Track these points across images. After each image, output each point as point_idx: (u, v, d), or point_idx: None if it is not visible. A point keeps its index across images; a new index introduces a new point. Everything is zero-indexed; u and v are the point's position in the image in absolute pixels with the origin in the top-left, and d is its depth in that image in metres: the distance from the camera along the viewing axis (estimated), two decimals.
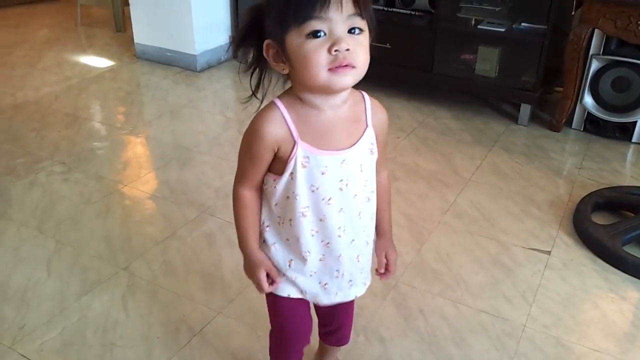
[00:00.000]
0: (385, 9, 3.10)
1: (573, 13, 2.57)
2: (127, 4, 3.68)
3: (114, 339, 1.51)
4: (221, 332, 1.54)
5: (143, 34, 3.58)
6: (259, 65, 0.97)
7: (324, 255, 1.05)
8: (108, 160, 2.42)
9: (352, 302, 1.23)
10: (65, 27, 4.31)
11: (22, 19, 4.48)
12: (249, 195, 1.03)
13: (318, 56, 0.86)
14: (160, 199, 2.15)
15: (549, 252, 1.89)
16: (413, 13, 3.03)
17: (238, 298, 1.65)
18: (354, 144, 0.98)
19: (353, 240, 1.05)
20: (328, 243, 1.04)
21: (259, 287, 1.06)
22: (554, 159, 2.49)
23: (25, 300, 1.64)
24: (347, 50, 0.86)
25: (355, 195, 1.01)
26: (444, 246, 1.91)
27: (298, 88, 0.94)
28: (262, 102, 0.99)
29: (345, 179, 0.99)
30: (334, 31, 0.86)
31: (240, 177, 1.03)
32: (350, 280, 1.11)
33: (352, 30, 0.87)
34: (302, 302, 1.12)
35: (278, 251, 1.06)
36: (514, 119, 2.84)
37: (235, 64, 3.53)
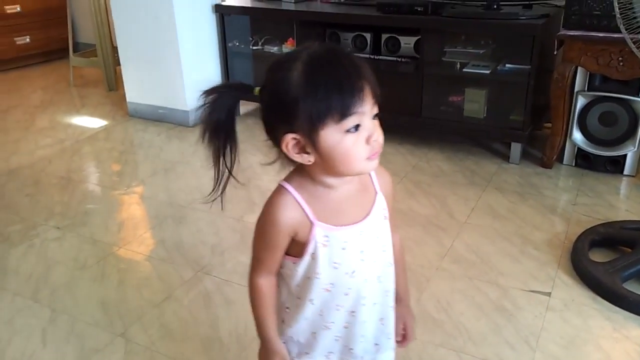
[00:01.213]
0: (372, 56, 3.16)
1: (555, 52, 2.62)
2: (119, 64, 3.75)
3: None
4: None
5: (135, 92, 3.63)
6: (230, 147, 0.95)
7: (348, 323, 1.04)
8: (103, 222, 2.42)
9: None
10: (58, 88, 4.37)
11: (15, 83, 4.55)
12: (265, 283, 1.02)
13: (360, 149, 0.88)
14: (155, 260, 2.14)
15: (549, 294, 1.87)
16: (399, 59, 3.09)
17: None
18: (369, 214, 0.99)
19: (375, 304, 1.05)
20: (353, 312, 1.03)
21: None
22: (547, 197, 2.50)
23: None
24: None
25: (375, 261, 1.01)
26: (443, 293, 1.89)
27: (318, 173, 0.94)
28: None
29: (365, 249, 0.99)
30: (365, 122, 0.88)
31: (257, 265, 1.02)
32: (377, 344, 1.09)
33: (374, 117, 0.91)
34: None
35: (300, 329, 1.05)
36: (506, 157, 2.86)
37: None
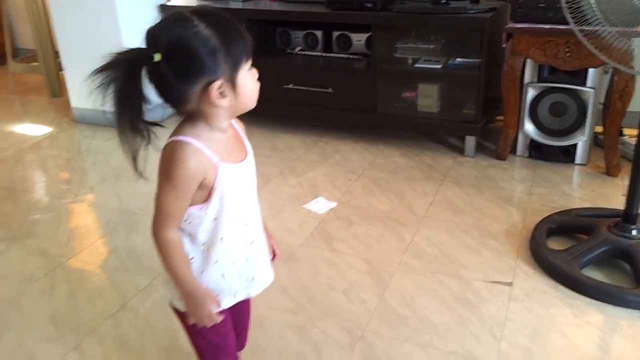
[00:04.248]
0: (324, 54, 3.14)
1: (504, 45, 2.65)
2: (62, 69, 3.60)
3: None
4: None
5: (80, 97, 3.49)
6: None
7: (249, 254, 1.17)
8: (51, 232, 2.30)
9: (249, 301, 1.34)
10: None
11: None
12: (176, 236, 1.07)
13: (256, 86, 1.06)
14: (108, 269, 2.05)
15: (510, 284, 1.88)
16: (351, 57, 3.07)
17: None
18: (247, 152, 1.13)
19: (259, 230, 1.20)
20: (252, 242, 1.17)
21: (210, 318, 1.11)
22: (503, 188, 2.53)
23: None
24: None
25: (254, 192, 1.17)
26: (406, 288, 1.87)
27: (222, 117, 1.04)
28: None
29: (250, 182, 1.14)
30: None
31: (168, 221, 1.05)
32: (266, 267, 1.24)
33: None
34: (226, 313, 1.19)
35: (209, 275, 1.12)
36: (461, 151, 2.88)
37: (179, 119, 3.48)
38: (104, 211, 2.48)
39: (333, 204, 2.43)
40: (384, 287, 1.88)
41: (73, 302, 1.87)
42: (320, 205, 2.42)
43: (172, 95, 1.00)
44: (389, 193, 2.52)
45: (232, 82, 1.00)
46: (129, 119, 0.97)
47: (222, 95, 1.00)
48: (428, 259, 2.03)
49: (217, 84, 0.98)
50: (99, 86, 0.94)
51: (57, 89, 4.07)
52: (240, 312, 1.31)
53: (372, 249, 2.10)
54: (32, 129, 3.49)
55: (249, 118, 1.14)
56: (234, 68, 0.99)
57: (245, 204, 1.13)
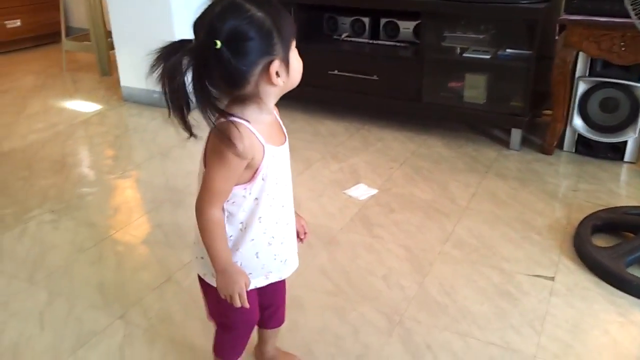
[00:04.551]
0: (371, 41, 3.13)
1: (557, 37, 2.60)
2: (112, 48, 3.69)
3: None
4: None
5: (129, 76, 3.58)
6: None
7: (284, 236, 1.21)
8: (98, 206, 2.38)
9: (284, 281, 1.37)
10: (51, 73, 4.30)
11: (7, 67, 4.47)
12: (220, 215, 1.12)
13: (301, 62, 1.09)
14: (153, 243, 2.10)
15: (552, 278, 1.86)
16: (398, 44, 3.05)
17: None
18: (286, 136, 1.18)
19: (293, 214, 1.25)
20: (288, 224, 1.22)
21: (239, 296, 1.13)
22: (548, 183, 2.49)
23: (18, 356, 1.57)
24: None
25: (290, 175, 1.21)
26: (446, 277, 1.87)
27: (271, 97, 1.09)
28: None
29: (287, 166, 1.18)
30: None
31: (215, 199, 1.10)
32: (296, 250, 1.29)
33: None
34: (253, 292, 1.24)
35: (244, 252, 1.17)
36: (506, 144, 2.84)
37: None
38: (150, 188, 2.54)
39: (374, 191, 2.43)
40: (424, 274, 1.89)
41: (120, 273, 1.93)
42: (361, 192, 2.43)
43: (234, 79, 1.03)
44: (430, 183, 2.51)
45: (286, 61, 1.05)
46: (205, 102, 1.01)
47: (277, 74, 1.04)
48: (469, 250, 2.02)
49: (276, 63, 1.03)
50: (163, 69, 0.99)
51: (107, 67, 4.17)
52: (274, 292, 1.36)
53: (413, 237, 2.10)
54: (83, 106, 3.60)
55: (292, 103, 1.17)
56: (286, 47, 1.04)
57: (283, 186, 1.17)
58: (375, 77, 3.00)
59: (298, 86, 1.12)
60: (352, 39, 3.19)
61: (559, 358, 1.53)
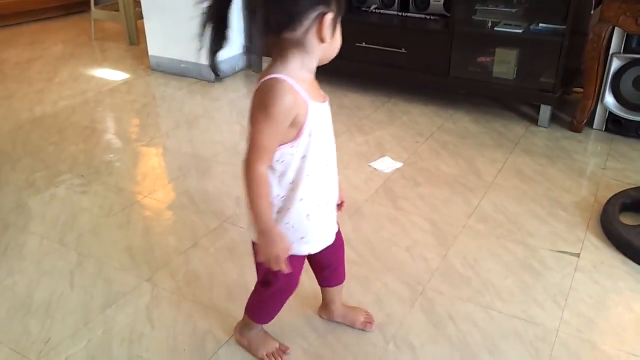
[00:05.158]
0: (400, 13, 3.09)
1: (592, 12, 2.54)
2: (141, 17, 3.71)
3: (140, 352, 1.49)
4: None
5: (157, 46, 3.59)
6: None
7: (330, 198, 1.24)
8: (127, 171, 2.42)
9: (342, 239, 1.42)
10: (79, 42, 4.34)
11: (37, 36, 4.52)
12: (266, 172, 1.12)
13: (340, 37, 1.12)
14: (180, 209, 2.14)
15: (578, 255, 1.85)
16: (428, 17, 3.01)
17: None
18: (325, 96, 1.19)
19: (336, 175, 1.26)
20: (332, 184, 1.25)
21: (277, 261, 1.15)
22: (577, 160, 2.45)
23: (50, 313, 1.62)
24: None
25: (332, 134, 1.22)
26: (470, 251, 1.87)
27: (314, 57, 1.10)
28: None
29: (330, 124, 1.20)
30: None
31: (262, 155, 1.10)
32: (335, 214, 1.32)
33: None
34: (300, 259, 1.27)
35: (295, 213, 1.18)
36: (534, 120, 2.80)
37: (249, 73, 3.53)
38: (177, 155, 2.57)
39: (399, 164, 2.43)
40: (447, 247, 1.89)
41: (147, 237, 1.97)
42: (386, 165, 2.43)
43: (289, 16, 1.03)
44: (456, 157, 2.49)
45: (335, 23, 1.08)
46: (258, 31, 1.03)
47: (329, 32, 1.06)
48: (494, 224, 2.01)
49: (329, 16, 1.05)
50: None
51: (135, 37, 4.20)
52: (333, 252, 1.37)
53: (437, 210, 2.10)
54: (111, 74, 3.63)
55: (319, 74, 1.16)
56: (340, 12, 1.08)
57: (327, 144, 1.19)
58: (403, 50, 2.97)
59: None
60: (382, 10, 3.16)
61: (581, 332, 1.53)
